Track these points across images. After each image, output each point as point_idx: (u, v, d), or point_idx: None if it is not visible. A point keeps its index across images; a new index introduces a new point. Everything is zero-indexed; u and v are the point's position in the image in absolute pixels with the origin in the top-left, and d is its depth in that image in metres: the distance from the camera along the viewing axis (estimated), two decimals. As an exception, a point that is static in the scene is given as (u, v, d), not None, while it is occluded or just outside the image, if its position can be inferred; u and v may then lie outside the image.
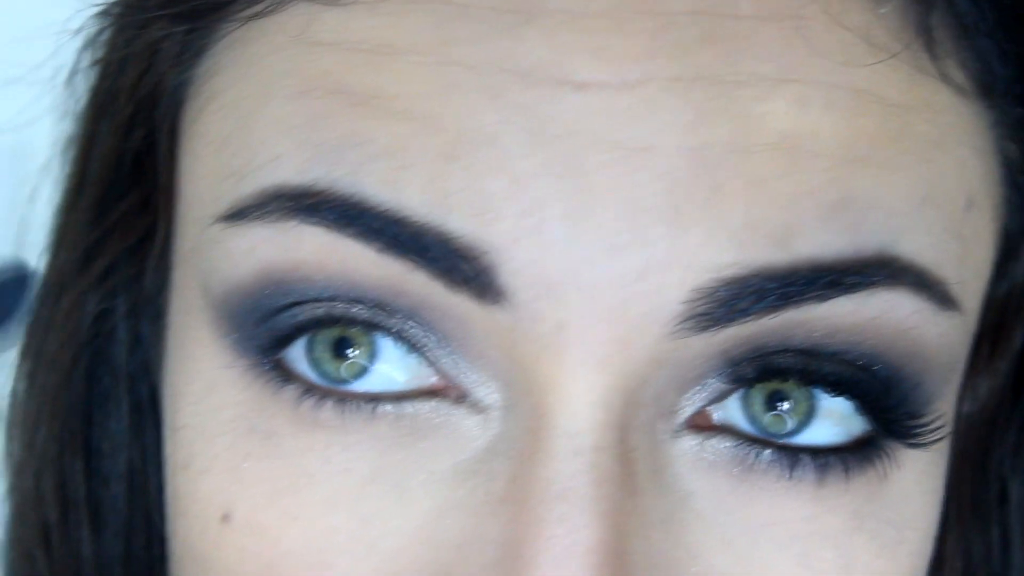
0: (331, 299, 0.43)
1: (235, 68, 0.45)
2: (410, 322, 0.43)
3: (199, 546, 0.45)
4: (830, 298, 0.42)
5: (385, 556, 0.43)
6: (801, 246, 0.41)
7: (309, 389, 0.44)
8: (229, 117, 0.45)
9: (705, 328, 0.41)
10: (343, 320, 0.43)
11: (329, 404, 0.43)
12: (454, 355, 0.43)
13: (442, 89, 0.41)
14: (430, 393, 0.44)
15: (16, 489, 0.55)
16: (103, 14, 0.50)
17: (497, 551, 0.42)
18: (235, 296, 0.44)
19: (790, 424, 0.44)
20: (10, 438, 0.55)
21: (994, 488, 0.55)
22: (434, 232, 0.41)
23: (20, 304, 0.43)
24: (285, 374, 0.44)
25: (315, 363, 0.44)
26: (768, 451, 0.44)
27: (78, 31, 0.51)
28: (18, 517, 0.55)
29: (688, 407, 0.43)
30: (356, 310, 0.43)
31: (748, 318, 0.42)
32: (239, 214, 0.43)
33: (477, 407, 0.43)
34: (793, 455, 0.44)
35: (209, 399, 0.45)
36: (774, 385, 0.44)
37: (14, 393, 0.55)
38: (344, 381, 0.44)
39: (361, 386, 0.44)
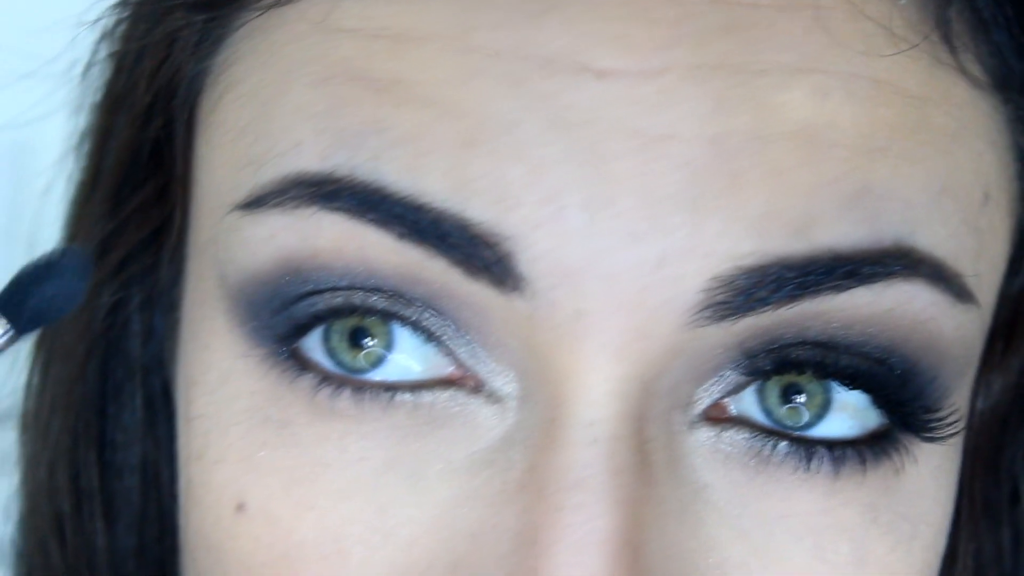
0: (349, 288, 0.43)
1: (254, 57, 0.45)
2: (427, 311, 0.43)
3: (213, 536, 0.45)
4: (847, 289, 0.42)
5: (400, 545, 0.43)
6: (820, 236, 0.41)
7: (326, 378, 0.44)
8: (248, 106, 0.45)
9: (723, 318, 0.41)
10: (360, 310, 0.43)
11: (346, 393, 0.43)
12: (471, 344, 0.43)
13: (463, 76, 0.41)
14: (447, 383, 0.44)
15: (30, 480, 0.55)
16: (121, 4, 0.50)
17: (513, 540, 0.42)
18: (252, 284, 0.44)
19: (806, 416, 0.44)
20: (24, 429, 0.55)
21: (1005, 486, 0.55)
22: (454, 219, 0.41)
23: (78, 289, 0.43)
24: (301, 363, 0.44)
25: (331, 352, 0.44)
26: (784, 443, 0.44)
27: (95, 22, 0.51)
28: (32, 508, 0.55)
29: (704, 398, 0.43)
30: (374, 300, 0.43)
31: (766, 308, 0.42)
32: (258, 202, 0.43)
33: (494, 396, 0.43)
34: (809, 447, 0.44)
35: (224, 389, 0.45)
36: (790, 378, 0.44)
37: (28, 385, 0.55)
38: (361, 370, 0.44)
39: (378, 375, 0.44)
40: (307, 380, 0.44)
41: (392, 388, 0.43)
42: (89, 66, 0.52)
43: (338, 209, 0.42)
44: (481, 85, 0.41)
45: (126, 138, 0.51)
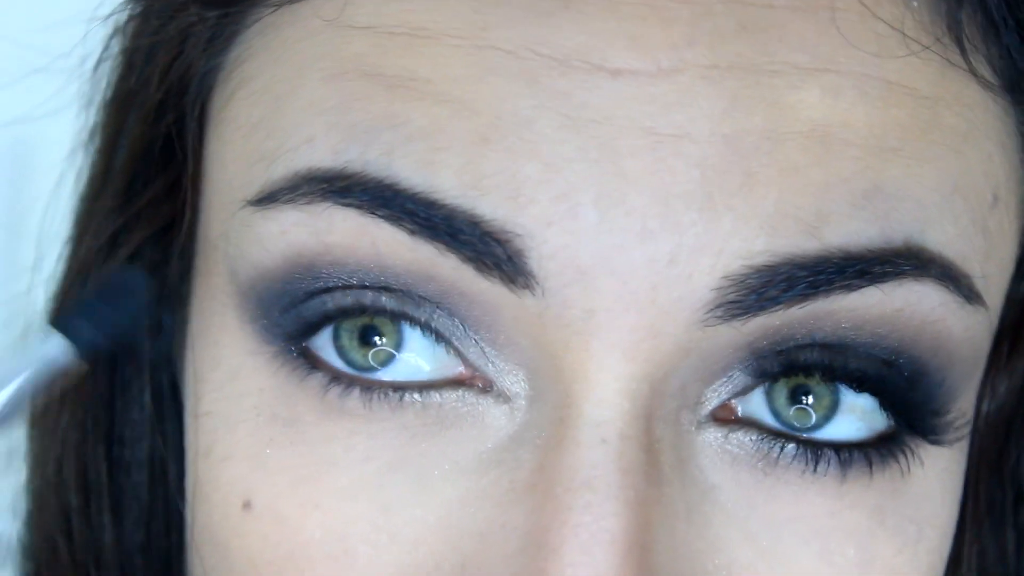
0: (360, 287, 0.43)
1: (267, 53, 0.45)
2: (438, 311, 0.43)
3: (220, 533, 0.45)
4: (858, 288, 0.42)
5: (407, 545, 0.43)
6: (831, 234, 0.41)
7: (336, 377, 0.44)
8: (260, 102, 0.45)
9: (734, 316, 0.41)
10: (370, 310, 0.43)
11: (355, 393, 0.43)
12: (481, 344, 0.43)
13: (478, 73, 0.41)
14: (456, 383, 0.44)
15: (38, 476, 0.55)
16: (134, 1, 0.50)
17: (521, 539, 0.42)
18: (263, 281, 0.44)
19: (813, 418, 0.44)
20: (32, 425, 0.55)
21: (1009, 488, 0.55)
22: (466, 215, 0.41)
23: (132, 313, 0.43)
24: (311, 362, 0.44)
25: (341, 351, 0.44)
26: (792, 445, 0.44)
27: (107, 18, 0.51)
28: (40, 504, 0.55)
29: (712, 399, 0.43)
30: (384, 300, 0.43)
31: (777, 307, 0.42)
32: (270, 197, 0.43)
33: (503, 396, 0.43)
34: (816, 449, 0.44)
35: (232, 385, 0.45)
36: (798, 380, 0.44)
37: None
38: (371, 369, 0.44)
39: (387, 375, 0.44)
40: (317, 379, 0.44)
41: (401, 388, 0.44)
42: (99, 62, 0.52)
43: (350, 204, 0.42)
44: (496, 82, 0.41)
45: (137, 134, 0.51)
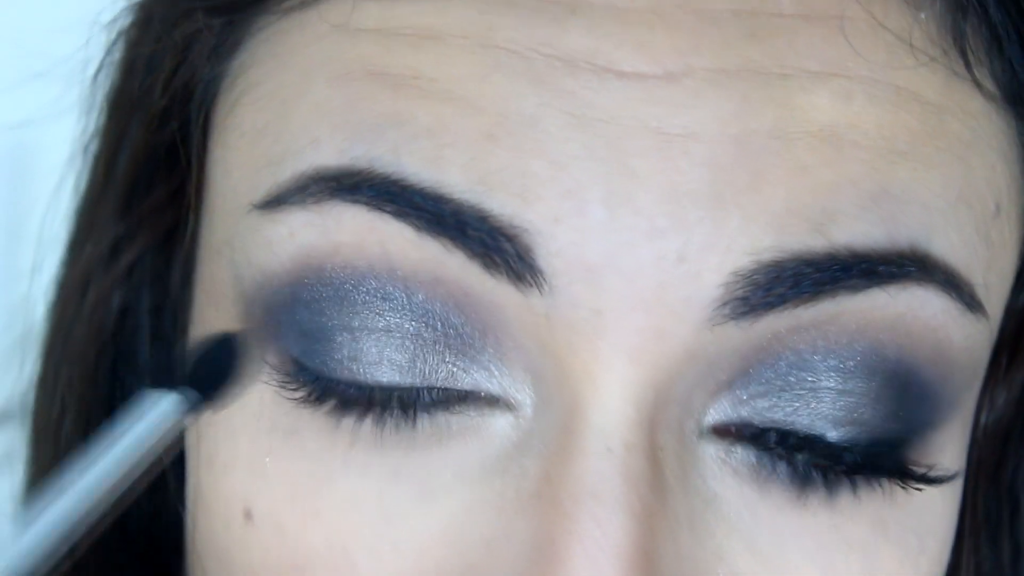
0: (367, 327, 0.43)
1: (273, 59, 0.45)
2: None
3: (222, 543, 0.45)
4: (863, 289, 0.42)
5: (410, 554, 0.43)
6: (839, 233, 0.42)
7: (347, 406, 0.43)
8: (266, 108, 0.45)
9: (742, 315, 0.42)
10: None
11: (368, 422, 0.43)
12: (490, 363, 0.43)
13: (484, 72, 0.41)
14: (462, 399, 0.43)
15: (39, 483, 0.55)
16: (137, 7, 0.50)
17: (527, 549, 0.42)
18: (270, 286, 0.44)
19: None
20: (35, 432, 0.55)
21: (1006, 499, 0.55)
22: (474, 210, 0.41)
23: (230, 372, 0.43)
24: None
25: None
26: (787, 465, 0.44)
27: (110, 23, 0.51)
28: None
29: (714, 413, 0.43)
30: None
31: (785, 306, 0.42)
32: (278, 200, 0.43)
33: (508, 405, 0.43)
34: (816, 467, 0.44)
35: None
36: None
37: (39, 388, 0.55)
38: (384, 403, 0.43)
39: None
40: (328, 405, 0.44)
41: (413, 412, 0.43)
42: (101, 68, 0.52)
43: (358, 201, 0.42)
44: (502, 81, 0.41)
45: (140, 141, 0.50)
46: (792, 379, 0.43)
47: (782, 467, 0.44)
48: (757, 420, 0.43)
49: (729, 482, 0.43)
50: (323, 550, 0.43)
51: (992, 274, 0.45)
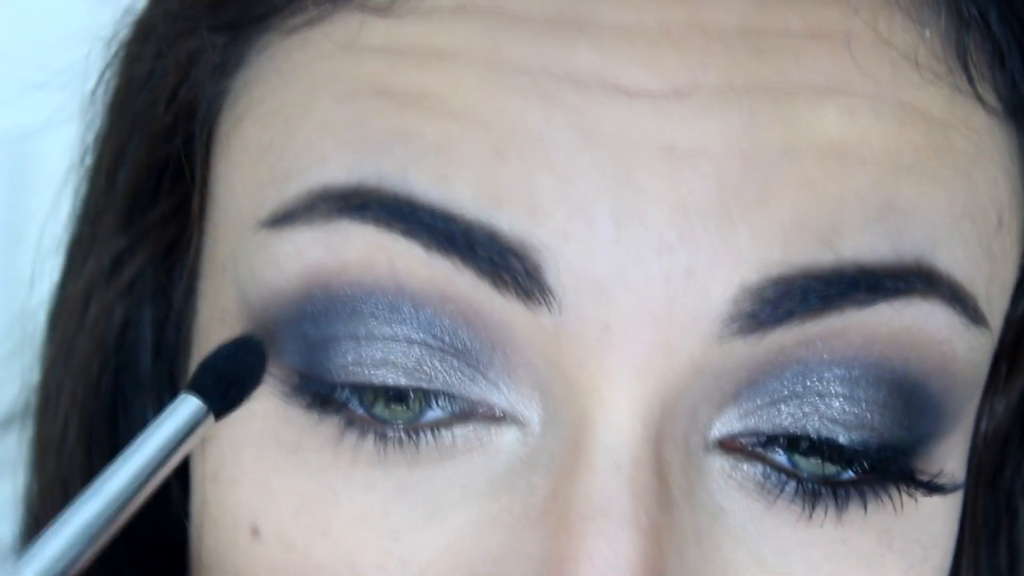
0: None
1: (277, 77, 0.45)
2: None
3: (229, 558, 0.45)
4: (870, 303, 0.42)
5: (418, 571, 0.43)
6: (846, 248, 0.42)
7: (350, 422, 0.43)
8: (271, 125, 0.45)
9: (750, 330, 0.42)
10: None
11: (370, 440, 0.43)
12: (498, 380, 0.43)
13: (492, 90, 0.41)
14: (468, 416, 0.43)
15: (45, 496, 0.55)
16: (141, 23, 0.50)
17: (536, 565, 0.42)
18: (277, 303, 0.44)
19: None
20: (39, 445, 0.55)
21: (1004, 505, 0.55)
22: (483, 228, 0.41)
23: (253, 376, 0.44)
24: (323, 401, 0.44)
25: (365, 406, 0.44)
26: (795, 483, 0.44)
27: (112, 38, 0.51)
28: (47, 523, 0.54)
29: (719, 427, 0.44)
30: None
31: (792, 321, 0.42)
32: (284, 217, 0.43)
33: (516, 421, 0.43)
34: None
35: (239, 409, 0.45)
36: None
37: (41, 401, 0.55)
38: (388, 421, 0.44)
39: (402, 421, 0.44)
40: (331, 424, 0.44)
41: (416, 430, 0.43)
42: (101, 81, 0.52)
43: (367, 220, 0.42)
44: (510, 98, 0.41)
45: (142, 156, 0.50)
46: (799, 388, 0.43)
47: (791, 485, 0.44)
48: (765, 428, 0.43)
49: (735, 496, 0.44)
50: (331, 566, 0.43)
51: (994, 286, 0.46)
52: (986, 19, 0.44)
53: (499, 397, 0.43)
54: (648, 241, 0.41)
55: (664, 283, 0.41)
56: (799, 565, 0.44)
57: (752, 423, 0.43)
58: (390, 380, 0.43)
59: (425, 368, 0.43)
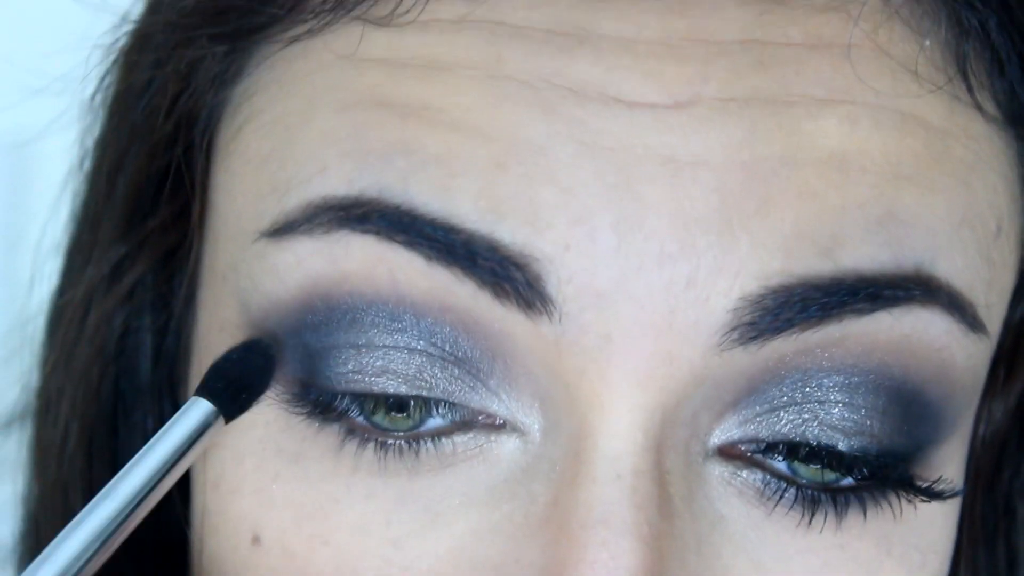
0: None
1: (277, 87, 0.45)
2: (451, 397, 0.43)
3: (230, 566, 0.45)
4: (869, 312, 0.43)
5: None
6: (846, 257, 0.42)
7: (351, 431, 0.44)
8: (271, 135, 0.45)
9: (750, 339, 0.42)
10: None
11: (370, 448, 0.43)
12: (498, 390, 0.43)
13: (493, 101, 0.42)
14: (468, 425, 0.44)
15: (45, 501, 0.55)
16: (141, 32, 0.50)
17: (536, 574, 0.42)
18: (277, 313, 0.44)
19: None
20: (39, 450, 0.55)
21: (1002, 508, 0.55)
22: (485, 240, 0.41)
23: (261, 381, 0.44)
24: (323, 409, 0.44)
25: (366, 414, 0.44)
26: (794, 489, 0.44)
27: (112, 45, 0.51)
28: (47, 529, 0.55)
29: (719, 435, 0.44)
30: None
31: (792, 330, 0.42)
32: (285, 228, 0.43)
33: (517, 430, 0.43)
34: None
35: (240, 417, 0.45)
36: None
37: (41, 407, 0.55)
38: (388, 430, 0.44)
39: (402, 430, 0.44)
40: (332, 433, 0.44)
41: (416, 438, 0.44)
42: (100, 88, 0.52)
43: (368, 231, 0.42)
44: (511, 110, 0.42)
45: (142, 164, 0.50)
46: (799, 396, 0.44)
47: (790, 491, 0.44)
48: (765, 435, 0.44)
49: (735, 503, 0.44)
50: (332, 575, 0.43)
51: (993, 293, 0.46)
52: (986, 28, 0.44)
53: (500, 406, 0.43)
54: (649, 251, 0.41)
55: (665, 293, 0.41)
56: (799, 571, 0.44)
57: (752, 430, 0.44)
58: (391, 388, 0.43)
59: (426, 376, 0.43)
